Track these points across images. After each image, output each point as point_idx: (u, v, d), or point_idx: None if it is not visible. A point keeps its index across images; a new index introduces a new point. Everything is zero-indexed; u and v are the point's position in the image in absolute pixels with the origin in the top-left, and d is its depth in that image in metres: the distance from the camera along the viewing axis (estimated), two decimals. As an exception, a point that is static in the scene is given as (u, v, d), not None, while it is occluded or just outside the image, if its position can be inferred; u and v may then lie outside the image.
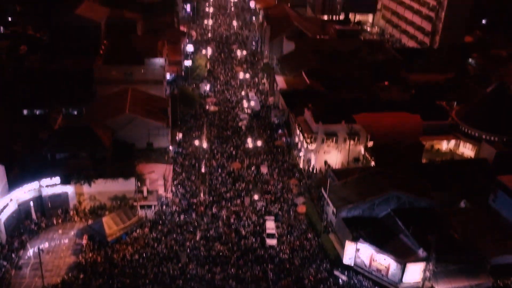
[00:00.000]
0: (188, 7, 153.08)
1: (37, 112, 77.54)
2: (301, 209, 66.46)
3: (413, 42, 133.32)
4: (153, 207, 64.37)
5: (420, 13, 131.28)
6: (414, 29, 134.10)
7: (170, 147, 76.48)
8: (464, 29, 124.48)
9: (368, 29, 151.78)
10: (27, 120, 75.37)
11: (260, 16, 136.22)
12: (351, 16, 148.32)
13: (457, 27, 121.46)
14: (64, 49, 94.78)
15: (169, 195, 67.33)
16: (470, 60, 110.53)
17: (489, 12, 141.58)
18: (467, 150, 75.17)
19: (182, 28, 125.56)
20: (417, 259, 52.32)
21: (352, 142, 73.06)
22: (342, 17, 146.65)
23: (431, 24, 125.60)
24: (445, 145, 76.64)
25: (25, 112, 77.35)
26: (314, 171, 74.62)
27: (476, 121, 74.32)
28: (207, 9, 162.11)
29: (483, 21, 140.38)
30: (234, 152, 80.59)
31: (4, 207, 57.96)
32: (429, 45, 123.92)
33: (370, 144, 72.84)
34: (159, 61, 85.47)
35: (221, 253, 58.47)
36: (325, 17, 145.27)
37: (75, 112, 79.38)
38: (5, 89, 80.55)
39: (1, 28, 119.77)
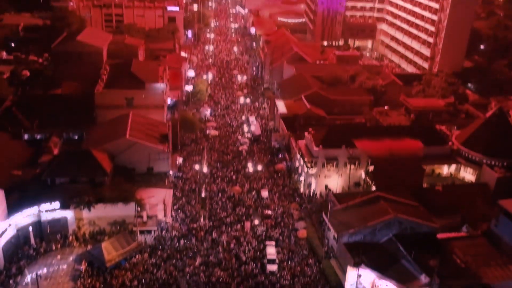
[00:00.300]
0: (189, 33, 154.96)
1: (38, 137, 77.66)
2: (302, 234, 65.94)
3: (412, 67, 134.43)
4: (152, 232, 63.85)
5: (418, 39, 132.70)
6: (413, 54, 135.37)
7: (170, 172, 76.33)
8: (463, 54, 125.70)
9: (367, 54, 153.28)
10: (28, 144, 75.37)
11: (261, 42, 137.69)
12: (350, 41, 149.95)
13: (456, 52, 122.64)
14: (66, 74, 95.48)
15: (169, 220, 66.88)
16: (469, 85, 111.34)
17: (487, 38, 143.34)
18: (468, 174, 75.00)
19: (183, 54, 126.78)
20: (419, 285, 51.61)
21: (352, 166, 72.94)
22: (341, 42, 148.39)
23: (430, 50, 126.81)
24: (446, 170, 76.50)
25: (25, 136, 77.49)
26: (315, 196, 74.30)
27: (476, 145, 74.36)
28: (208, 35, 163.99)
29: (481, 47, 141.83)
30: (234, 177, 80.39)
31: (3, 232, 57.47)
32: (428, 70, 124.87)
33: (371, 168, 72.70)
34: (160, 86, 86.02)
35: (221, 279, 57.76)
36: (325, 43, 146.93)
37: (76, 137, 79.46)
38: (6, 114, 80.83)
39: (4, 53, 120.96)
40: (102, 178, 65.91)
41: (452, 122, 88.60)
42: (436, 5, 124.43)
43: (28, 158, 69.98)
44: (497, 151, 72.46)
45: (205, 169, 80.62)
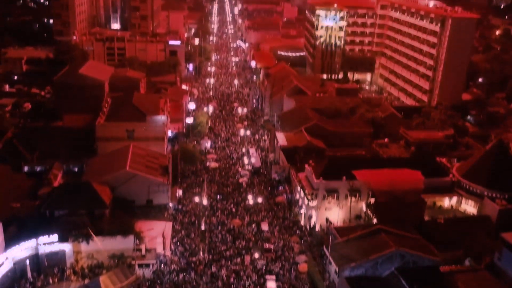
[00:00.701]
0: (190, 66, 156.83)
1: (38, 169, 77.58)
2: (303, 268, 65.03)
3: (411, 100, 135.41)
4: (151, 266, 63.02)
5: (417, 72, 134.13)
6: (412, 87, 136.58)
7: (170, 204, 75.90)
8: (462, 87, 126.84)
9: (367, 87, 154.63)
10: (28, 176, 75.22)
11: (261, 75, 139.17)
12: (349, 75, 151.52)
13: (454, 85, 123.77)
14: (68, 107, 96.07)
15: (168, 253, 66.08)
16: (468, 117, 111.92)
17: (485, 71, 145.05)
18: (469, 207, 74.53)
19: (184, 87, 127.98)
20: (423, 321, 50.64)
21: (353, 199, 72.58)
22: (341, 76, 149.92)
23: (429, 83, 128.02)
24: (447, 202, 76.05)
25: (25, 168, 77.42)
26: (316, 229, 73.64)
27: (477, 178, 74.15)
28: (209, 68, 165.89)
29: (479, 80, 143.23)
30: (234, 209, 79.89)
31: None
32: (427, 103, 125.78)
33: (372, 201, 72.31)
34: (161, 118, 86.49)
35: (220, 314, 56.70)
36: (324, 76, 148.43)
37: (76, 169, 79.39)
38: (7, 146, 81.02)
39: (7, 86, 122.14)
40: (101, 210, 65.49)
41: (452, 154, 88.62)
42: (434, 39, 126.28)
43: (28, 190, 69.71)
44: (498, 183, 72.22)
45: (205, 202, 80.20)
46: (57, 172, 75.07)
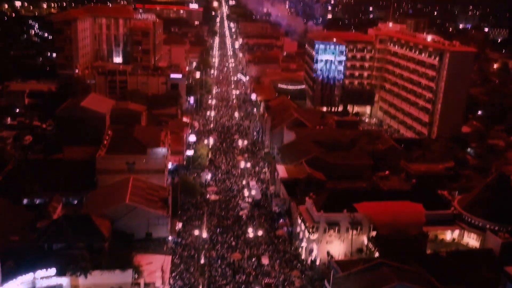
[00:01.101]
0: (191, 99, 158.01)
1: (37, 201, 77.20)
2: (304, 302, 63.95)
3: (411, 132, 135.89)
4: (150, 301, 62.00)
5: (416, 105, 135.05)
6: (411, 120, 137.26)
7: (169, 237, 75.20)
8: (461, 119, 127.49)
9: (367, 120, 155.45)
10: (27, 209, 74.78)
11: (261, 108, 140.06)
12: (349, 107, 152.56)
13: (454, 118, 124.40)
14: (69, 139, 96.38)
15: (167, 287, 65.09)
16: (468, 150, 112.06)
17: (484, 104, 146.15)
18: (472, 240, 73.79)
19: (185, 119, 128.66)
20: None
21: (354, 232, 71.94)
22: (340, 108, 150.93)
23: (428, 115, 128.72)
24: (449, 235, 75.35)
25: (25, 201, 77.02)
26: (317, 262, 72.71)
27: (479, 210, 73.71)
28: (210, 101, 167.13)
29: (479, 112, 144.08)
30: (234, 242, 79.09)
31: (-5, 301, 55.94)
32: (427, 135, 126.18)
33: (373, 234, 71.66)
34: (162, 150, 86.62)
35: None
36: (324, 109, 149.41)
37: (75, 202, 79.03)
38: (7, 179, 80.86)
39: (8, 119, 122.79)
40: (100, 243, 64.83)
41: (453, 187, 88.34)
42: (432, 73, 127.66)
43: (27, 223, 69.14)
44: (500, 216, 71.75)
45: (204, 235, 79.47)
46: (57, 205, 74.67)
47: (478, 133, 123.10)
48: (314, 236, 72.41)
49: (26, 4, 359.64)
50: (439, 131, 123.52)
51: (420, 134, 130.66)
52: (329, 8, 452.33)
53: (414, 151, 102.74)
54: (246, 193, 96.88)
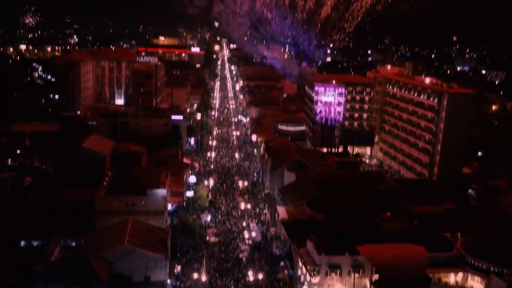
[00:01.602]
0: (192, 140, 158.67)
1: (35, 244, 76.30)
2: None
3: (411, 173, 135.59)
4: None
5: (416, 146, 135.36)
6: (412, 161, 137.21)
7: (168, 281, 73.84)
8: (461, 160, 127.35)
9: (367, 161, 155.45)
10: (25, 251, 73.86)
11: (261, 149, 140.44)
12: (349, 148, 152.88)
13: (454, 159, 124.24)
14: (68, 180, 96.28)
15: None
16: (470, 191, 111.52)
17: (483, 145, 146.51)
18: (476, 283, 72.42)
19: (185, 160, 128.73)
20: None
21: (357, 275, 70.70)
22: (341, 149, 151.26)
23: (428, 157, 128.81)
24: (452, 278, 74.00)
25: (22, 243, 76.13)
26: (318, 307, 71.16)
27: (482, 253, 72.67)
28: (210, 142, 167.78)
29: (479, 153, 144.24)
30: (234, 286, 77.62)
31: None
32: (427, 177, 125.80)
33: (376, 277, 70.39)
34: (161, 192, 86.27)
35: None
36: (325, 150, 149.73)
37: (74, 243, 78.10)
38: (5, 220, 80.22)
39: (9, 160, 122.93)
40: (98, 287, 63.63)
41: (456, 229, 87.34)
42: (432, 114, 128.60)
43: (24, 266, 68.15)
44: (504, 258, 70.65)
45: (204, 278, 78.08)
46: (55, 247, 73.81)
47: (479, 174, 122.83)
48: (316, 280, 71.12)
49: (31, 47, 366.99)
50: (439, 172, 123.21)
51: (421, 175, 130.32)
52: (328, 51, 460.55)
53: (415, 192, 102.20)
54: (246, 235, 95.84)
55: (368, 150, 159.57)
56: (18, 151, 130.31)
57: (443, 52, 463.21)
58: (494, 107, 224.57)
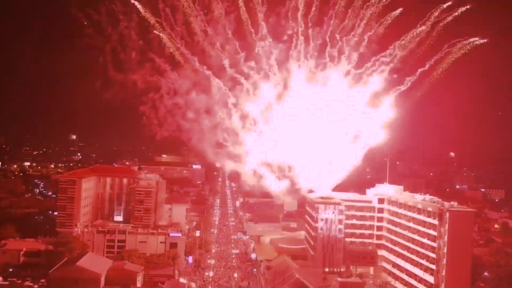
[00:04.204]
0: (190, 259, 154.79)
1: None
2: None
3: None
4: None
5: (420, 266, 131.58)
6: (416, 282, 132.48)
7: None
8: (468, 282, 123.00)
9: (370, 281, 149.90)
10: None
11: (261, 268, 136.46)
12: (352, 268, 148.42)
13: (460, 279, 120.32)
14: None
15: None
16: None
17: (489, 265, 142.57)
18: None
19: (182, 280, 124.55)
20: None
21: None
22: (343, 269, 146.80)
23: (434, 277, 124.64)
24: None
25: None
26: None
27: None
28: (208, 261, 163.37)
29: (485, 273, 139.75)
30: None
31: None
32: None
33: None
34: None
35: None
36: (326, 269, 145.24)
37: None
38: None
39: (0, 278, 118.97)
40: None
41: None
42: (434, 233, 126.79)
43: None
44: None
45: None
46: None
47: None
48: None
49: (34, 164, 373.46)
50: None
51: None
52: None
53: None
54: None
55: (371, 269, 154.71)
56: (11, 270, 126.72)
57: (441, 171, 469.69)
58: (496, 226, 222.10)
